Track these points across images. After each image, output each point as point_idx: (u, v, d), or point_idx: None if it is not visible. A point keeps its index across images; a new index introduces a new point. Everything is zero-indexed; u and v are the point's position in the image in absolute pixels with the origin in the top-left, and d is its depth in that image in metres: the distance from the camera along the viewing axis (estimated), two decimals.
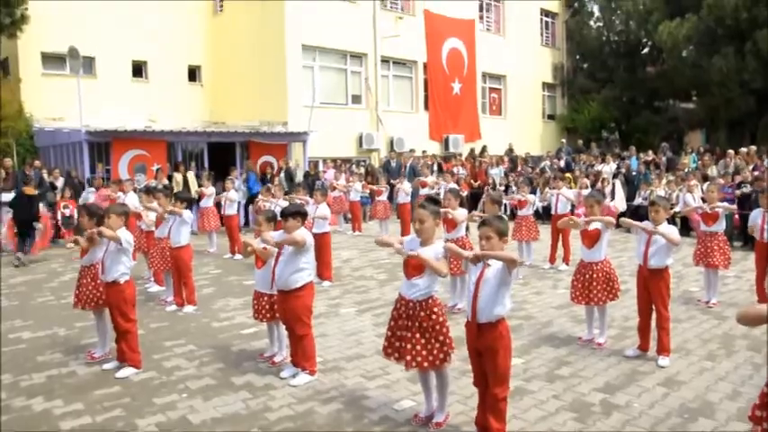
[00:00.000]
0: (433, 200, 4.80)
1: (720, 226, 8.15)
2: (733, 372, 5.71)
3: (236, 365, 6.02)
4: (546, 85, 28.27)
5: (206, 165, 16.49)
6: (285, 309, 5.61)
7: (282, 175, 16.18)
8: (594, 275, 6.31)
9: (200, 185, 13.63)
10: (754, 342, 6.53)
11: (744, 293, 8.60)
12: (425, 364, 4.46)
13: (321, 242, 9.12)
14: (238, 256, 11.62)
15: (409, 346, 4.44)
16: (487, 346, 4.12)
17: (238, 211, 12.85)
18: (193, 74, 21.76)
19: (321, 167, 18.33)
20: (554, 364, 5.98)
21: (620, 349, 6.31)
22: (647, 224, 6.10)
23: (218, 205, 12.60)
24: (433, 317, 4.47)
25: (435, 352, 4.43)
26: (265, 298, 5.99)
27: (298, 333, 5.57)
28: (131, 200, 10.20)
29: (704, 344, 6.52)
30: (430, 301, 4.51)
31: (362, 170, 17.89)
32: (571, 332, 6.95)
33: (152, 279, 9.34)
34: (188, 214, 8.14)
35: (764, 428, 3.05)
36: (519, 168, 19.54)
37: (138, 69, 20.59)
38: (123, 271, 5.83)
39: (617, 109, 26.58)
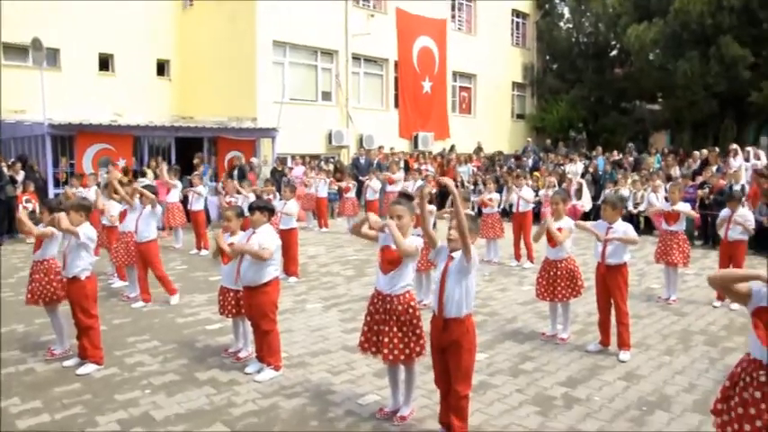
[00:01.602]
0: (407, 195, 4.84)
1: (681, 225, 8.31)
2: (690, 366, 5.84)
3: (200, 361, 5.97)
4: (516, 85, 28.52)
5: (173, 160, 16.28)
6: (251, 304, 5.58)
7: (236, 172, 15.86)
8: (559, 273, 6.41)
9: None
10: (711, 338, 6.69)
11: (702, 290, 8.78)
12: (402, 357, 4.50)
13: (288, 238, 9.09)
14: (204, 252, 11.51)
15: (386, 339, 4.47)
16: (452, 341, 4.14)
17: (206, 206, 12.71)
18: (162, 68, 21.49)
19: (290, 164, 18.24)
20: (518, 358, 6.05)
21: (582, 344, 6.41)
22: (600, 226, 6.21)
23: (184, 201, 12.47)
24: (410, 310, 4.52)
25: (412, 345, 4.48)
26: (231, 294, 5.96)
27: (263, 329, 5.55)
28: (93, 195, 10.03)
29: (663, 339, 6.66)
30: (407, 294, 4.56)
31: (331, 167, 17.85)
32: (535, 328, 7.04)
33: (115, 275, 9.21)
34: (157, 207, 8.07)
35: (724, 420, 3.13)
36: (497, 166, 19.63)
37: (105, 63, 20.24)
38: (84, 267, 5.73)
39: (585, 109, 26.94)
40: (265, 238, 5.50)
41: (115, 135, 15.24)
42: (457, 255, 4.15)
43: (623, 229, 6.10)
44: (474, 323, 4.23)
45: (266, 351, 5.60)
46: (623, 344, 6.05)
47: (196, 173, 13.19)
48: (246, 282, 5.53)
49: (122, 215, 8.30)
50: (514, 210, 11.04)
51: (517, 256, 10.78)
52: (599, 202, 14.95)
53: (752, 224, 8.06)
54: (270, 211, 5.78)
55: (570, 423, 4.66)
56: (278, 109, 17.97)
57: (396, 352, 4.47)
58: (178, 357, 6.07)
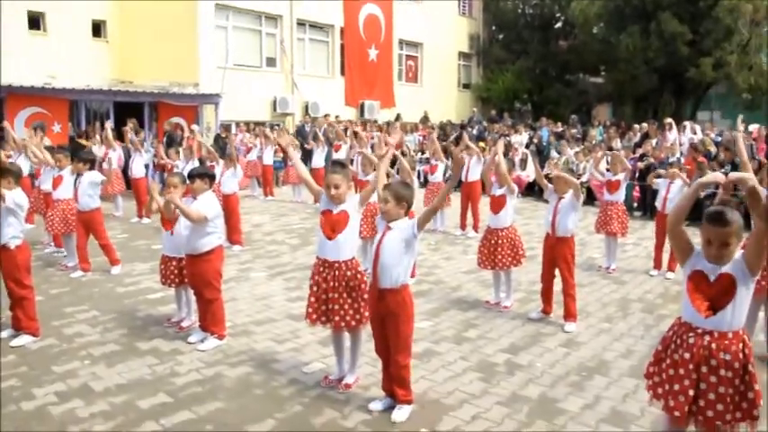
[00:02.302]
0: (341, 164, 4.81)
1: (620, 196, 8.53)
2: (627, 333, 6.04)
3: (141, 331, 5.85)
4: (462, 55, 28.52)
5: (112, 125, 15.71)
6: (194, 273, 5.47)
7: (165, 139, 15.40)
8: (500, 241, 6.50)
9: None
10: (648, 305, 6.93)
11: (641, 260, 9.07)
12: (353, 324, 4.51)
13: (228, 204, 8.97)
14: (146, 220, 11.23)
15: (337, 306, 4.47)
16: (389, 311, 4.14)
17: (147, 173, 12.36)
18: (98, 29, 20.51)
19: (234, 131, 17.86)
20: (462, 326, 6.14)
21: (524, 312, 6.54)
22: (551, 197, 6.30)
23: (124, 167, 12.09)
24: (359, 276, 4.51)
25: (362, 311, 4.49)
26: (174, 263, 5.84)
27: (207, 297, 5.46)
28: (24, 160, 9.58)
29: (603, 307, 6.86)
30: (354, 260, 4.55)
31: (275, 134, 17.54)
32: (479, 296, 7.15)
33: (51, 243, 8.90)
34: (97, 175, 7.82)
35: (656, 382, 3.26)
36: (449, 134, 19.61)
37: (35, 21, 19.24)
38: (13, 234, 5.46)
39: (530, 80, 27.20)
40: (205, 205, 5.39)
41: (49, 98, 14.60)
42: (394, 225, 4.13)
43: (575, 204, 6.15)
44: (411, 293, 4.23)
45: (210, 320, 5.52)
46: (569, 315, 6.16)
47: (138, 138, 12.77)
48: (189, 250, 5.42)
49: (56, 182, 7.97)
50: (463, 179, 11.11)
51: (462, 226, 10.89)
52: (544, 172, 15.22)
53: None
54: (210, 177, 5.65)
55: (512, 389, 4.77)
56: (221, 74, 17.52)
57: (347, 318, 4.48)
58: (119, 327, 5.93)
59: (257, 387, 4.73)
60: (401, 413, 4.24)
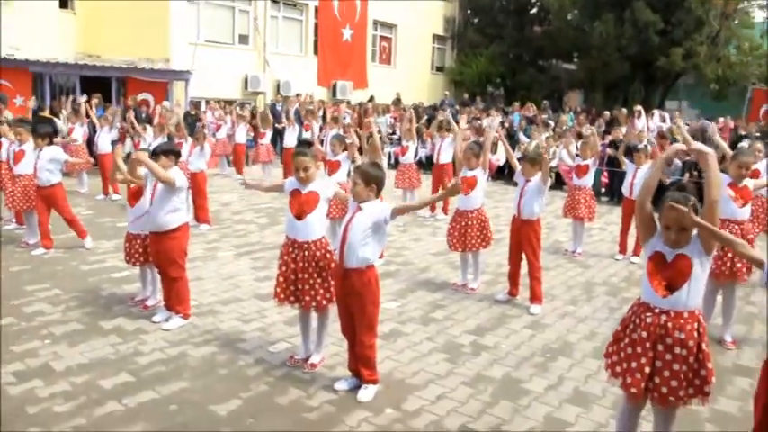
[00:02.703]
0: (309, 143, 4.78)
1: (589, 181, 8.61)
2: (591, 315, 6.13)
3: (105, 310, 5.76)
4: (436, 37, 28.41)
5: (85, 98, 15.33)
6: (158, 251, 5.39)
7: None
8: (470, 223, 6.53)
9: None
10: (612, 288, 7.04)
11: (607, 244, 9.20)
12: (324, 302, 4.51)
13: (195, 183, 8.87)
14: (116, 197, 11.04)
15: (307, 286, 4.47)
16: (354, 291, 4.14)
17: (113, 149, 12.11)
18: (65, 0, 20.04)
19: (203, 108, 17.60)
20: (429, 307, 6.17)
21: (491, 294, 6.60)
22: (519, 180, 6.34)
23: (89, 143, 11.84)
24: (328, 255, 4.50)
25: (332, 290, 4.48)
26: (138, 240, 5.76)
27: (171, 276, 5.39)
28: None
29: (568, 290, 6.94)
30: (323, 239, 4.54)
31: (247, 113, 17.33)
32: (446, 278, 7.18)
33: (12, 220, 8.71)
34: (59, 151, 7.64)
35: (614, 361, 3.34)
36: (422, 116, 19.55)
37: None
38: None
39: (503, 65, 27.23)
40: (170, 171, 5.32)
41: (11, 70, 14.15)
42: (364, 206, 4.12)
43: (541, 186, 6.17)
44: (377, 274, 4.23)
45: (175, 299, 5.45)
46: (535, 297, 6.22)
47: (104, 115, 12.50)
48: (154, 227, 5.34)
49: (17, 156, 7.75)
50: (435, 160, 11.12)
51: (432, 208, 10.90)
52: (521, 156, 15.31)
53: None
54: (175, 154, 5.56)
55: (477, 369, 4.81)
56: (192, 51, 17.20)
57: (318, 298, 4.49)
58: (81, 306, 5.83)
59: (222, 367, 4.69)
60: (367, 393, 4.25)
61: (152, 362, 4.72)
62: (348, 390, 4.34)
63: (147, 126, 11.83)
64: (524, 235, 6.23)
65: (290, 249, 4.54)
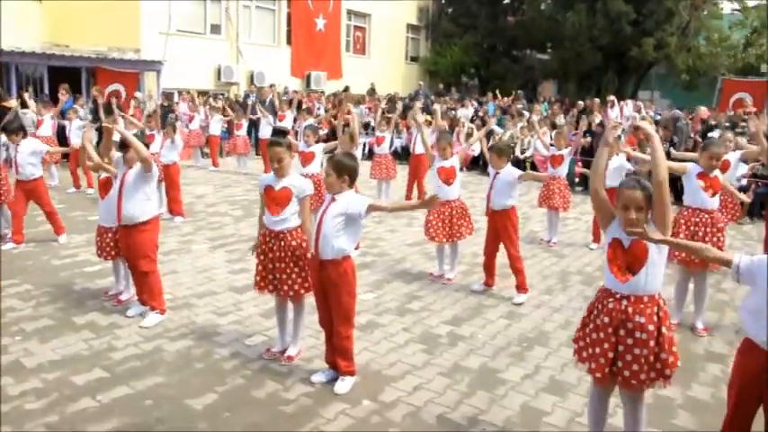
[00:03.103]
0: (283, 132, 4.75)
1: (564, 170, 8.67)
2: (566, 304, 6.18)
3: (78, 305, 5.67)
4: (410, 27, 28.34)
5: (46, 90, 15.07)
6: (128, 245, 5.31)
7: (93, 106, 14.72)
8: (454, 212, 6.56)
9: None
10: (587, 278, 7.10)
11: (581, 234, 9.28)
12: (302, 291, 4.52)
13: (168, 175, 8.77)
14: (91, 191, 10.86)
15: (284, 276, 4.47)
16: (331, 282, 4.13)
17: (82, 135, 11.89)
18: None
19: (176, 99, 17.38)
20: (405, 298, 6.18)
21: (467, 284, 6.62)
22: (490, 173, 6.35)
23: (60, 136, 11.62)
24: (304, 245, 4.50)
25: (309, 279, 4.48)
26: (109, 234, 5.68)
27: (142, 270, 5.31)
28: None
29: (544, 279, 6.99)
30: (299, 229, 4.53)
31: (220, 104, 17.15)
32: (423, 268, 7.19)
33: None
34: (39, 143, 7.53)
35: (581, 346, 3.40)
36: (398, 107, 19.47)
37: None
38: None
39: (477, 55, 27.28)
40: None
41: None
42: (339, 197, 4.11)
43: (510, 175, 6.20)
44: (353, 265, 4.22)
45: (148, 294, 5.38)
46: (519, 287, 6.23)
47: (73, 106, 12.27)
48: (125, 220, 5.24)
49: None
50: (411, 151, 11.12)
51: (407, 198, 10.90)
52: (488, 147, 15.36)
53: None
54: (144, 146, 5.46)
55: (454, 360, 4.83)
56: (164, 41, 16.95)
57: (295, 287, 4.50)
58: (53, 301, 5.73)
59: (198, 361, 4.66)
60: (344, 385, 4.25)
61: (126, 357, 4.66)
62: (325, 382, 4.33)
63: (120, 119, 11.63)
64: (500, 225, 6.25)
65: (267, 239, 4.56)
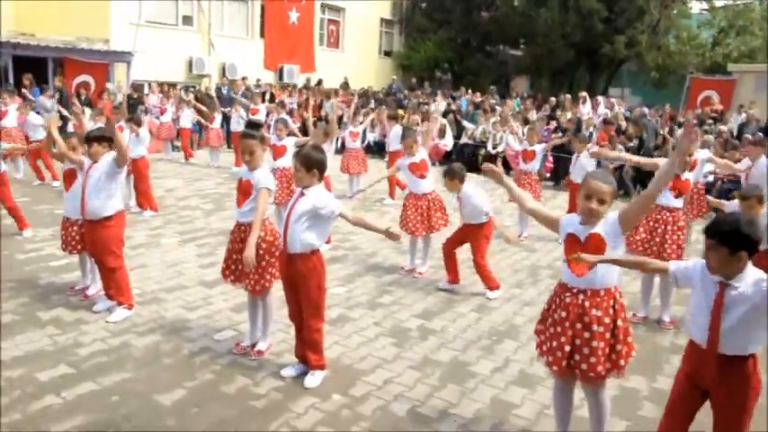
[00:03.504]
0: (255, 125, 4.72)
1: (535, 165, 8.73)
2: (536, 298, 6.22)
3: (43, 300, 5.56)
4: (384, 21, 28.31)
5: (11, 81, 14.75)
6: (93, 240, 5.21)
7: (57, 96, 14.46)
8: (431, 204, 6.59)
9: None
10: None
11: None
12: (258, 288, 4.48)
13: (137, 169, 8.64)
14: (56, 183, 10.66)
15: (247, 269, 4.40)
16: (300, 276, 4.11)
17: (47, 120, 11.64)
18: None
19: (146, 91, 17.13)
20: (376, 292, 6.17)
21: (438, 279, 6.63)
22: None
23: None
24: (269, 238, 4.47)
25: (267, 276, 4.46)
26: (75, 227, 5.55)
27: (108, 266, 5.22)
28: None
29: (514, 273, 7.04)
30: (267, 223, 4.49)
31: (192, 96, 16.96)
32: (394, 262, 7.19)
33: None
34: None
35: (542, 339, 3.46)
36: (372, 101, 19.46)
37: None
38: None
39: (451, 50, 27.34)
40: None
41: None
42: (307, 192, 4.08)
43: (472, 197, 6.10)
44: (322, 259, 4.20)
45: (115, 289, 5.29)
46: (489, 286, 6.20)
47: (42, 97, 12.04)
48: (89, 215, 5.15)
49: None
50: (387, 148, 11.11)
51: (391, 195, 10.82)
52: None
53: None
54: (109, 140, 5.34)
55: (425, 353, 4.84)
56: (134, 31, 16.69)
57: (252, 283, 4.47)
58: (18, 296, 5.61)
59: (167, 356, 4.60)
60: (314, 379, 4.24)
61: (93, 353, 4.59)
62: (295, 376, 4.31)
63: (86, 109, 11.45)
64: (472, 237, 6.21)
65: (235, 229, 4.59)
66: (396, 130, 10.77)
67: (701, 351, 3.00)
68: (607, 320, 3.23)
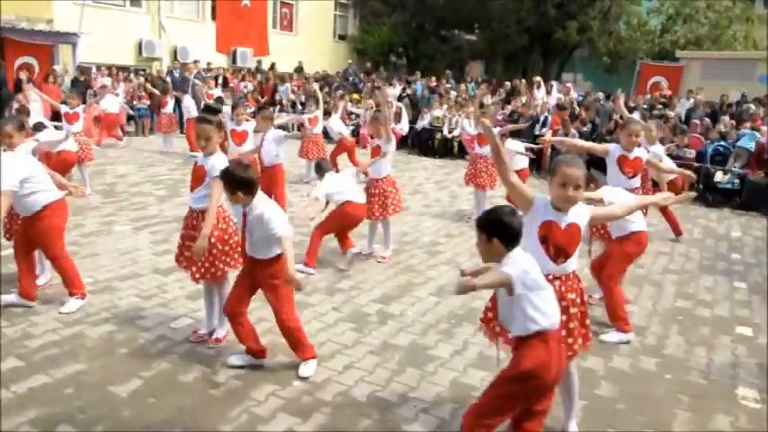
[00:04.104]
0: (212, 110, 4.61)
1: (489, 149, 8.78)
2: None
3: None
4: (338, 5, 28.07)
5: None
6: (30, 234, 4.95)
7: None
8: (387, 188, 6.59)
9: None
10: None
11: None
12: (207, 276, 4.39)
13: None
14: None
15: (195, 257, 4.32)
16: (264, 278, 4.08)
17: None
18: None
19: (93, 74, 16.63)
20: (335, 277, 6.15)
21: (396, 263, 6.65)
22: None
23: None
24: (223, 225, 4.39)
25: (217, 264, 4.39)
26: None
27: (50, 257, 5.07)
28: None
29: (472, 256, 7.09)
30: (220, 209, 4.40)
31: (141, 80, 16.55)
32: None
33: None
34: None
35: (492, 326, 3.51)
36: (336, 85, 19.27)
37: None
38: None
39: (406, 34, 27.30)
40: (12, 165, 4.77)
41: None
42: (250, 211, 3.98)
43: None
44: (284, 259, 4.02)
45: (66, 281, 5.12)
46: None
47: None
48: (22, 212, 4.92)
49: None
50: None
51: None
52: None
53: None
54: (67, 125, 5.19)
55: (384, 338, 4.85)
56: (79, 11, 16.15)
57: (203, 270, 4.37)
58: None
59: (121, 345, 4.50)
60: (308, 368, 4.22)
61: (44, 344, 4.46)
62: (242, 366, 4.25)
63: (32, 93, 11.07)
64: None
65: (188, 215, 4.53)
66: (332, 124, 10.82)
67: None
68: (579, 301, 3.34)
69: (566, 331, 3.29)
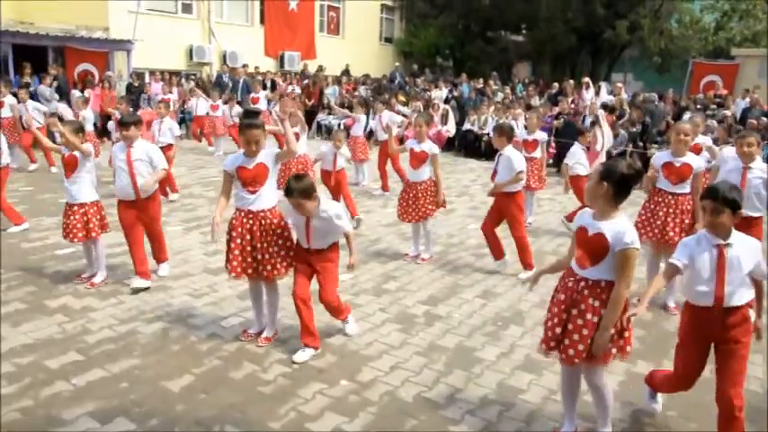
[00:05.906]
0: (256, 113, 4.76)
1: (538, 153, 8.70)
2: (542, 283, 6.01)
3: (50, 288, 5.59)
4: (385, 8, 28.12)
5: (10, 71, 14.68)
6: (150, 215, 5.80)
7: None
8: (420, 194, 6.53)
9: None
10: (561, 257, 7.15)
11: (555, 214, 9.36)
12: (283, 271, 4.53)
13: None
14: (54, 169, 10.65)
15: (267, 255, 4.47)
16: (322, 263, 4.47)
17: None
18: None
19: (147, 79, 17.08)
20: (381, 278, 6.19)
21: (443, 264, 6.66)
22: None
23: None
24: (283, 223, 4.55)
25: (289, 258, 4.56)
26: (77, 216, 5.54)
27: (157, 230, 5.95)
28: None
29: (517, 259, 7.02)
30: (275, 209, 4.54)
31: (192, 84, 16.92)
32: (398, 249, 7.20)
33: None
34: None
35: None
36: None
37: None
38: None
39: (452, 36, 27.17)
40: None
41: None
42: (316, 215, 4.36)
43: (508, 155, 6.18)
44: (338, 250, 4.50)
45: (160, 250, 6.04)
46: (524, 265, 6.40)
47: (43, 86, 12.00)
48: (144, 193, 5.62)
49: None
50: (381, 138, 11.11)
51: (384, 186, 10.75)
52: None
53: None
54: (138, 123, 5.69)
55: (431, 339, 4.86)
56: (133, 19, 16.61)
57: (278, 267, 4.53)
58: (24, 285, 5.64)
59: (174, 342, 4.63)
60: (351, 327, 4.86)
61: (101, 340, 4.62)
62: (307, 361, 4.35)
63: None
64: (505, 209, 6.35)
65: (244, 221, 4.48)
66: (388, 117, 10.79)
67: (704, 311, 3.28)
68: (603, 311, 3.22)
69: (578, 336, 3.27)
